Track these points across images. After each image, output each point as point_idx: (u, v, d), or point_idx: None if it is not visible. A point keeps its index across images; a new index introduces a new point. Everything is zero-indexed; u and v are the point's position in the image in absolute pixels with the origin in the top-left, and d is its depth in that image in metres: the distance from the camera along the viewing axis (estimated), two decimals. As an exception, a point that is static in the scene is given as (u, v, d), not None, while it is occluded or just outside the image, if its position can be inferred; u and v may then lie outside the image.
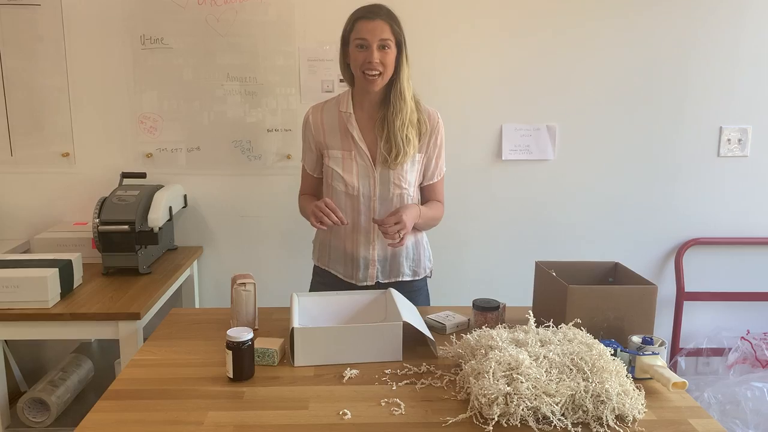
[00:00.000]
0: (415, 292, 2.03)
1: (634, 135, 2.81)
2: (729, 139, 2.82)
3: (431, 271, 2.11)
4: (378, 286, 1.98)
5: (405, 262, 2.01)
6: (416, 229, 1.98)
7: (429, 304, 2.10)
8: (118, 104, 2.69)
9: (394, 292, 1.78)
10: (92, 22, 2.62)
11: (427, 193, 2.02)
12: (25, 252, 2.59)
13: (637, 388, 1.35)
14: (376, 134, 1.90)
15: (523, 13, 2.69)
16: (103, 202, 2.37)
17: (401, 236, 1.82)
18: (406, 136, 1.86)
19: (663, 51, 2.74)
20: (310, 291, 2.11)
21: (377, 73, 1.80)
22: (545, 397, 1.27)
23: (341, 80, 1.96)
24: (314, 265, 2.11)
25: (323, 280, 2.06)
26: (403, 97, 1.85)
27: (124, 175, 2.61)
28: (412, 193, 1.95)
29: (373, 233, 1.95)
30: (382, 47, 1.79)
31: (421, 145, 1.93)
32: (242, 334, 1.46)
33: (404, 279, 2.02)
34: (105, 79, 2.67)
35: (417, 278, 2.05)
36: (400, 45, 1.82)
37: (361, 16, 1.81)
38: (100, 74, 2.66)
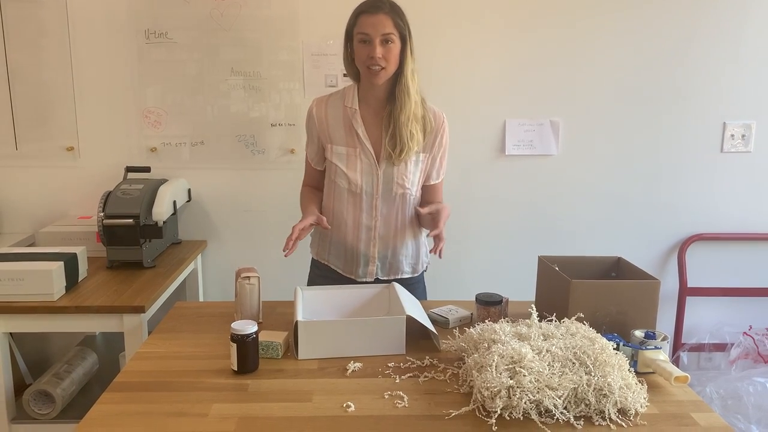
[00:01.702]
0: (413, 285, 2.03)
1: (638, 130, 2.81)
2: (732, 135, 2.82)
3: (428, 265, 2.11)
4: (377, 282, 1.98)
5: (405, 260, 2.01)
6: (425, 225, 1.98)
7: (426, 298, 2.10)
8: (122, 98, 2.70)
9: (397, 286, 1.79)
10: (97, 16, 2.62)
11: (428, 194, 2.01)
12: (30, 245, 2.61)
13: (639, 382, 1.35)
14: (381, 131, 1.88)
15: (527, 8, 2.69)
16: (107, 196, 2.38)
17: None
18: (411, 131, 1.84)
19: (667, 46, 2.74)
20: (308, 284, 2.11)
21: (380, 67, 1.79)
22: (548, 390, 1.27)
23: (345, 75, 1.96)
24: (312, 258, 2.11)
25: (322, 273, 2.06)
26: (407, 91, 1.83)
27: (129, 169, 2.62)
28: (414, 193, 1.95)
29: (375, 231, 1.95)
30: (386, 41, 1.77)
31: (426, 145, 1.92)
32: (247, 326, 1.47)
33: (403, 276, 2.02)
34: (109, 73, 2.68)
35: (415, 275, 2.06)
36: (404, 39, 1.80)
37: (363, 10, 1.79)
38: (105, 68, 2.67)
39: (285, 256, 1.74)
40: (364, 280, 1.99)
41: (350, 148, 1.90)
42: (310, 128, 1.96)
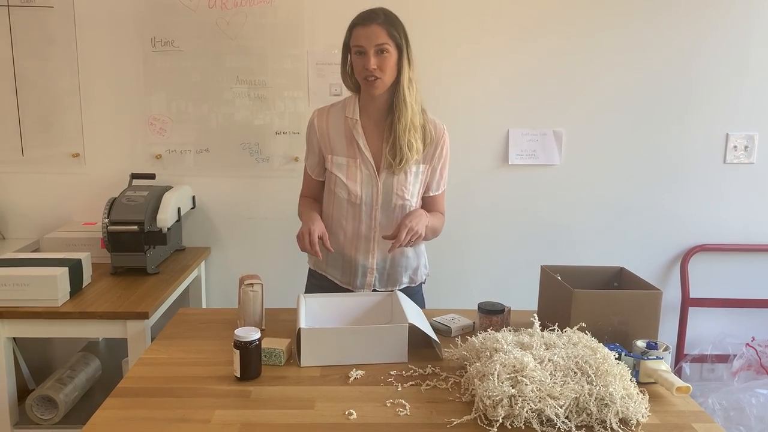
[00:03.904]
0: (411, 296, 2.02)
1: (641, 141, 2.82)
2: (735, 146, 2.83)
3: (427, 276, 2.12)
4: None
5: (403, 271, 2.01)
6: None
7: (424, 308, 2.10)
8: (128, 106, 2.72)
9: (400, 294, 1.79)
10: (104, 24, 2.65)
11: (428, 206, 2.00)
12: (35, 251, 2.62)
13: (641, 392, 1.35)
14: (381, 141, 1.89)
15: (531, 18, 2.71)
16: (112, 203, 2.39)
17: (414, 242, 1.82)
18: (409, 140, 1.84)
19: (669, 57, 2.75)
20: (306, 293, 2.10)
21: (376, 77, 1.79)
22: (549, 399, 1.27)
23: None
24: (309, 268, 2.11)
25: (319, 284, 2.05)
26: (404, 100, 1.83)
27: (134, 176, 2.64)
28: (414, 204, 1.94)
29: (374, 242, 1.95)
30: (380, 51, 1.78)
31: (426, 155, 1.92)
32: (250, 333, 1.48)
33: (401, 288, 2.02)
34: (115, 80, 2.70)
35: (413, 285, 2.06)
36: (400, 48, 1.81)
37: (357, 23, 1.81)
38: (111, 76, 2.69)
39: (321, 257, 1.83)
40: (362, 291, 1.98)
41: (350, 158, 1.90)
42: (311, 139, 1.96)
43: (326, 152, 1.93)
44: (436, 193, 2.00)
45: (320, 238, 1.82)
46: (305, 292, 2.09)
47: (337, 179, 1.91)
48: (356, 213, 1.93)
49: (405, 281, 2.03)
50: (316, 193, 2.04)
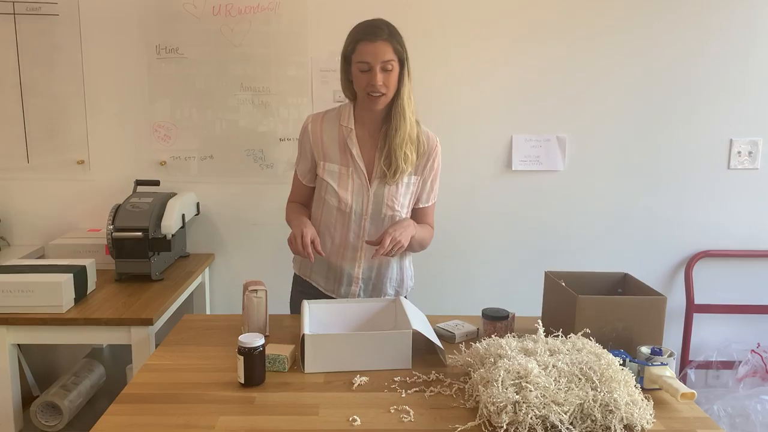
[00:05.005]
0: None
1: (644, 146, 2.82)
2: (739, 152, 2.82)
3: (411, 288, 2.11)
4: None
5: (388, 283, 2.01)
6: (407, 249, 1.94)
7: None
8: (132, 112, 2.73)
9: (404, 300, 1.79)
10: (109, 31, 2.67)
11: (417, 217, 1.99)
12: (39, 258, 2.62)
13: (645, 398, 1.35)
14: (375, 151, 1.88)
15: (534, 25, 2.71)
16: (117, 209, 2.40)
17: (396, 252, 1.82)
18: (405, 153, 1.84)
19: (673, 63, 2.75)
20: (291, 300, 2.11)
21: (381, 93, 1.78)
22: (554, 405, 1.27)
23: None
24: (294, 274, 2.10)
25: (303, 290, 2.04)
26: (403, 113, 1.82)
27: (138, 183, 2.65)
28: (403, 215, 1.94)
29: (361, 251, 1.94)
30: (385, 68, 1.76)
31: (417, 167, 1.91)
32: (254, 339, 1.48)
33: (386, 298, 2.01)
34: (120, 87, 2.71)
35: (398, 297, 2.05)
36: (402, 62, 1.79)
37: (362, 38, 1.77)
38: (116, 83, 2.71)
39: (313, 259, 1.81)
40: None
41: (343, 166, 1.89)
42: (304, 144, 1.95)
43: (319, 159, 1.92)
44: (426, 205, 2.00)
45: (312, 242, 1.81)
46: (291, 299, 2.10)
47: (328, 186, 1.90)
48: (345, 221, 1.92)
49: (390, 293, 2.02)
50: (305, 199, 2.03)
